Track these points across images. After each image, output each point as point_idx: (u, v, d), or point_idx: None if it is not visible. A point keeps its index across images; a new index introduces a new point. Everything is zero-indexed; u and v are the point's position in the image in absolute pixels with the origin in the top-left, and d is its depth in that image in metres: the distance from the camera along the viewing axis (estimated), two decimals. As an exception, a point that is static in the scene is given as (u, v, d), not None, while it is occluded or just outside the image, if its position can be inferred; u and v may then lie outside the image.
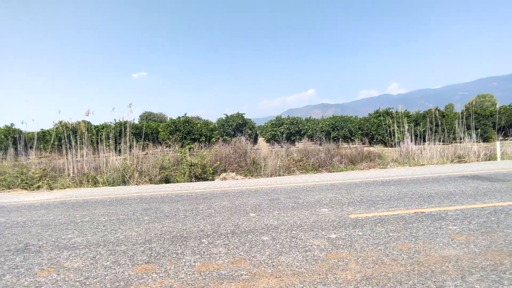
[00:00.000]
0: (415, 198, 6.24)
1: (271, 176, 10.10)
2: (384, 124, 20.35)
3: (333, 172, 10.85)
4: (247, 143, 11.84)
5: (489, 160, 12.05)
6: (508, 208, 5.31)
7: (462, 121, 14.43)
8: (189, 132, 21.28)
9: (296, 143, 22.89)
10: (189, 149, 11.65)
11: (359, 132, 24.31)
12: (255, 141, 21.59)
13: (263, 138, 27.63)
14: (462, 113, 16.36)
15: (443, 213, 5.25)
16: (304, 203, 6.27)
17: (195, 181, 9.53)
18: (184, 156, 10.05)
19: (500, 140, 17.04)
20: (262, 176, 10.10)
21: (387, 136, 17.41)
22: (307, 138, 20.70)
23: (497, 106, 17.64)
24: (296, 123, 23.25)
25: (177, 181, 9.37)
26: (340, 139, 21.10)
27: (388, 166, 11.61)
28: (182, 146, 17.42)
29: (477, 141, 13.73)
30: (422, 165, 11.68)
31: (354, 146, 15.76)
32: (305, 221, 5.25)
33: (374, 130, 24.23)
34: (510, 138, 16.87)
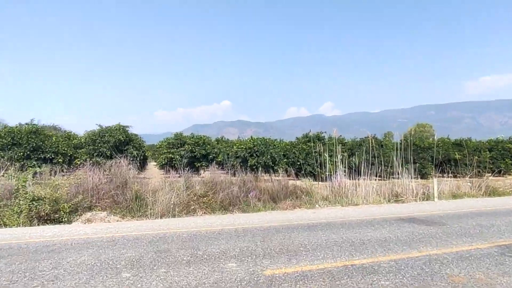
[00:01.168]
0: (346, 246, 6.71)
1: (161, 218, 9.68)
2: (315, 152, 21.96)
3: (248, 212, 11.01)
4: (130, 169, 11.20)
5: (427, 200, 13.98)
6: (442, 257, 6.12)
7: (400, 153, 16.57)
8: (36, 148, 19.10)
9: (202, 171, 22.79)
10: (34, 174, 10.31)
11: (284, 160, 25.66)
12: (142, 166, 20.72)
13: (155, 163, 26.79)
14: (400, 143, 18.85)
15: (375, 265, 5.74)
16: (204, 256, 6.11)
17: (40, 225, 8.45)
18: (23, 185, 8.88)
19: (438, 176, 20.06)
20: (149, 218, 9.60)
21: (317, 167, 18.75)
22: (216, 165, 20.81)
23: (435, 138, 20.84)
24: (203, 144, 23.31)
25: (5, 225, 8.16)
26: (260, 169, 21.82)
27: (317, 205, 12.38)
28: (22, 169, 15.46)
29: (415, 177, 15.82)
30: (356, 205, 12.82)
31: (278, 178, 16.45)
32: (202, 282, 5.08)
33: (302, 158, 25.93)
34: (447, 175, 20.02)
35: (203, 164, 22.58)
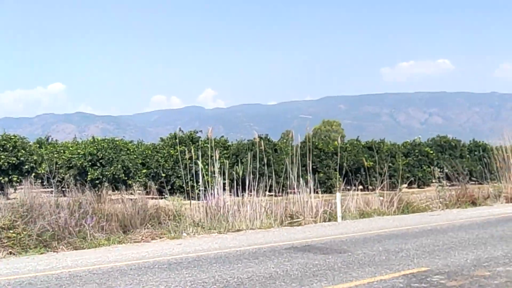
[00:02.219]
0: (218, 290, 6.85)
1: None
2: (186, 158, 22.03)
3: (83, 248, 10.58)
4: None
5: (329, 220, 15.04)
6: (339, 296, 6.65)
7: (298, 160, 17.51)
8: None
9: (11, 189, 21.26)
10: None
11: (143, 171, 25.34)
12: None
13: None
14: (302, 147, 19.96)
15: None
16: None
17: None
18: None
19: (344, 189, 21.75)
20: None
21: (190, 180, 18.84)
22: (37, 179, 19.57)
23: (338, 140, 22.56)
24: (14, 148, 21.73)
25: None
26: (107, 184, 21.20)
27: (185, 234, 12.45)
28: None
29: (317, 191, 16.89)
30: (239, 230, 13.19)
31: (133, 197, 16.09)
32: None
33: (169, 168, 25.89)
34: (355, 187, 21.87)
35: (15, 178, 21.04)
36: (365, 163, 26.19)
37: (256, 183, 15.33)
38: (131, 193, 20.22)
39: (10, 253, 9.71)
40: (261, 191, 15.03)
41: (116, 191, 22.56)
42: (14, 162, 21.23)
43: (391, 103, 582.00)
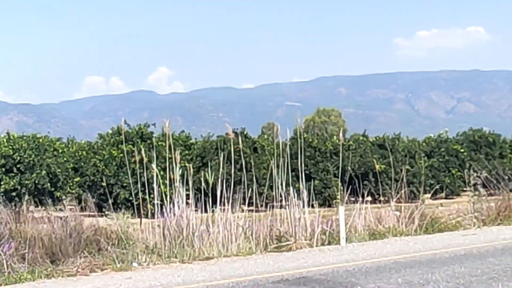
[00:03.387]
0: None
1: None
2: (135, 162, 21.94)
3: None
4: None
5: (329, 243, 15.06)
6: None
7: (286, 162, 17.51)
8: None
9: None
10: None
11: (76, 179, 25.09)
12: None
13: None
14: (291, 145, 19.95)
15: None
16: None
17: None
18: None
19: (348, 201, 21.76)
20: None
21: (140, 190, 18.73)
22: None
23: (341, 135, 22.58)
24: None
25: None
26: (27, 197, 21.04)
27: (135, 263, 12.40)
28: None
29: (311, 204, 16.88)
30: (209, 258, 13.14)
31: (63, 214, 15.98)
32: None
33: (110, 174, 25.72)
34: (362, 198, 21.77)
35: None
36: (376, 167, 26.33)
37: (231, 194, 15.32)
38: (60, 209, 20.04)
39: None
40: (238, 205, 15.03)
41: (40, 206, 22.37)
42: None
43: (407, 85, 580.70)
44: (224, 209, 14.79)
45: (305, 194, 15.82)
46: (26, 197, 21.06)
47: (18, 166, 22.47)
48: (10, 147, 22.72)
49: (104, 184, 25.27)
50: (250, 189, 16.15)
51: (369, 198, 23.05)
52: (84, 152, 27.58)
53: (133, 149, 23.12)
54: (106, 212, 18.64)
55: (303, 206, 15.66)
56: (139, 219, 17.76)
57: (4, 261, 11.20)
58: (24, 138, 23.95)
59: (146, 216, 17.46)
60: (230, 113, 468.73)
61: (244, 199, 15.56)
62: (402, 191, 18.13)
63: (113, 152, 26.43)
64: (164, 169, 16.82)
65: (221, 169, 15.84)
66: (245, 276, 10.88)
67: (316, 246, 14.73)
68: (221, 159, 16.27)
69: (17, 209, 17.91)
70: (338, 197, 27.88)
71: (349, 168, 26.08)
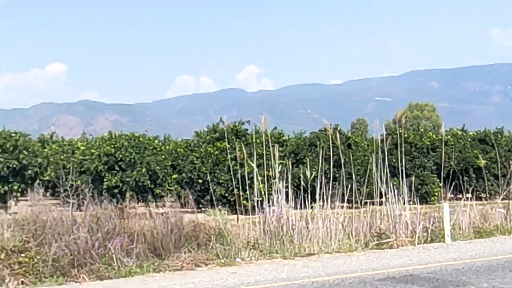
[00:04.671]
0: None
1: None
2: (231, 159, 22.21)
3: (110, 278, 10.81)
4: None
5: (432, 241, 14.80)
6: None
7: (380, 158, 17.30)
8: None
9: (13, 201, 21.86)
10: None
11: (174, 176, 25.62)
12: None
13: None
14: (382, 141, 19.66)
15: None
16: None
17: None
18: None
19: (450, 198, 21.27)
20: None
21: (236, 187, 18.97)
22: (41, 188, 20.12)
23: (442, 130, 22.12)
24: (14, 148, 22.35)
25: None
26: (128, 193, 21.59)
27: (238, 259, 12.54)
28: None
29: (410, 201, 16.62)
30: (311, 254, 13.16)
31: (162, 210, 16.32)
32: None
33: (208, 171, 26.10)
34: (464, 195, 21.23)
35: (16, 187, 21.71)
36: (480, 162, 25.59)
37: (329, 191, 15.26)
38: (162, 205, 20.56)
39: (22, 282, 10.03)
40: (337, 202, 14.98)
41: (141, 203, 22.93)
42: (15, 166, 21.81)
43: (506, 77, 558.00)
44: (322, 206, 14.76)
45: (405, 190, 15.61)
46: (128, 194, 21.58)
47: (119, 163, 23.11)
48: (112, 145, 23.41)
49: (200, 181, 25.76)
50: (349, 185, 16.07)
51: (468, 195, 22.45)
52: (181, 150, 28.11)
53: (229, 146, 23.45)
54: (205, 209, 18.93)
55: (403, 203, 15.46)
56: (235, 215, 17.94)
57: (114, 256, 11.51)
58: (125, 137, 24.60)
59: (244, 213, 17.59)
60: (319, 110, 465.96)
61: (342, 196, 15.49)
62: (509, 188, 17.57)
63: (209, 149, 26.85)
64: (259, 166, 16.93)
65: (319, 165, 15.85)
66: (349, 273, 10.83)
67: (419, 243, 14.51)
68: (320, 155, 16.28)
69: (120, 205, 18.37)
70: (436, 193, 27.41)
71: (452, 163, 25.41)
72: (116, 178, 22.65)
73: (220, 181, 25.45)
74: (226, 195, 25.09)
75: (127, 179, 22.61)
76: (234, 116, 28.88)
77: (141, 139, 24.80)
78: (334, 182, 15.66)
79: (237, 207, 18.37)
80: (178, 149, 28.28)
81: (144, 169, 23.02)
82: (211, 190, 25.23)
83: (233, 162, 22.25)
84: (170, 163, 25.86)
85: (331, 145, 17.21)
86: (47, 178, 22.70)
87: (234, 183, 17.90)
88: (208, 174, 25.97)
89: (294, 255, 13.09)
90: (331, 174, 15.50)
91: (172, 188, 23.77)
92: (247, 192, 16.87)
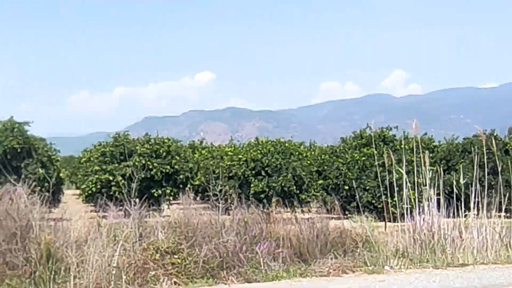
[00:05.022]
0: None
1: (93, 294, 9.69)
2: (378, 165, 21.94)
3: (257, 281, 10.97)
4: (34, 203, 11.22)
5: None
6: None
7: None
8: None
9: (165, 204, 22.71)
10: None
11: (319, 182, 25.66)
12: (54, 197, 20.75)
13: (77, 190, 26.72)
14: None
15: None
16: None
17: None
18: None
19: None
20: (70, 294, 9.59)
21: (383, 194, 18.71)
22: (191, 192, 20.83)
23: None
24: (167, 153, 23.25)
25: None
26: (273, 198, 21.84)
27: (387, 267, 12.33)
28: None
29: None
30: (464, 265, 12.74)
31: (307, 216, 16.39)
32: None
33: (353, 178, 25.94)
34: None
35: (168, 190, 22.60)
36: None
37: (482, 199, 14.72)
38: (308, 210, 20.67)
39: (175, 282, 10.42)
40: (493, 211, 14.40)
41: (286, 208, 23.16)
42: (167, 170, 22.82)
43: None
44: (476, 215, 14.26)
45: None
46: (274, 199, 21.85)
47: (266, 169, 23.49)
48: (259, 151, 23.84)
49: (346, 187, 25.64)
50: (504, 194, 15.44)
51: None
52: (326, 156, 28.12)
53: (376, 152, 23.14)
54: (350, 215, 18.78)
55: None
56: (382, 223, 17.69)
57: (261, 259, 11.66)
58: (271, 142, 24.97)
59: (392, 220, 17.29)
60: (471, 114, 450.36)
61: (498, 204, 14.88)
62: None
63: (355, 155, 26.70)
64: (408, 173, 16.57)
65: (474, 172, 15.32)
66: (508, 285, 10.42)
67: None
68: (474, 162, 15.76)
69: (267, 210, 18.62)
70: None
71: None
72: (262, 183, 23.04)
73: (367, 187, 25.23)
74: (373, 201, 24.84)
75: (273, 184, 22.94)
76: (381, 122, 28.50)
77: (286, 145, 25.12)
78: (490, 190, 15.13)
79: (385, 214, 18.09)
80: (324, 155, 28.32)
81: (289, 175, 23.26)
82: (357, 196, 25.09)
83: (381, 168, 22.01)
84: (315, 168, 26.00)
85: (485, 151, 16.67)
86: (197, 182, 23.48)
87: (381, 189, 17.68)
88: (354, 181, 25.82)
89: (446, 265, 12.71)
90: (486, 182, 14.96)
91: (317, 193, 23.88)
92: (395, 199, 16.56)
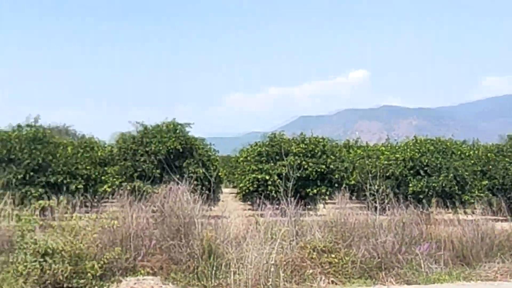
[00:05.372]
0: None
1: (253, 290, 9.97)
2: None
3: (418, 283, 10.86)
4: (195, 201, 11.72)
5: None
6: None
7: None
8: (42, 166, 21.04)
9: (320, 204, 22.81)
10: (42, 210, 11.26)
11: (484, 182, 24.70)
12: (214, 195, 21.44)
13: (235, 190, 27.39)
14: None
15: None
16: None
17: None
18: (28, 230, 9.78)
19: None
20: (230, 289, 9.93)
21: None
22: (347, 191, 20.79)
23: None
24: (322, 153, 23.35)
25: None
26: (433, 199, 21.33)
27: None
28: (22, 203, 16.99)
29: None
30: None
31: (469, 217, 15.91)
32: None
33: (522, 177, 24.81)
34: None
35: (322, 190, 22.69)
36: None
37: None
38: (467, 212, 20.03)
39: (332, 282, 10.54)
40: None
41: (445, 209, 22.50)
42: (322, 170, 22.90)
43: None
44: None
45: None
46: (434, 199, 21.35)
47: (425, 168, 22.94)
48: (417, 150, 23.35)
49: (513, 186, 24.66)
50: None
51: None
52: (492, 155, 27.01)
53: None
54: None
55: None
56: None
57: (421, 261, 11.54)
58: (431, 141, 24.37)
59: None
60: None
61: None
62: None
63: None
64: None
65: None
66: None
67: None
68: None
69: (425, 211, 18.24)
70: None
71: None
72: (421, 183, 22.51)
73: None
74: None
75: (433, 185, 22.34)
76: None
77: (447, 143, 24.37)
78: None
79: None
80: (489, 154, 27.18)
81: (451, 175, 22.55)
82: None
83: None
84: (479, 168, 25.02)
85: None
86: (352, 182, 23.38)
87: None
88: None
89: None
90: None
91: (482, 194, 23.00)
92: None
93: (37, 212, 10.56)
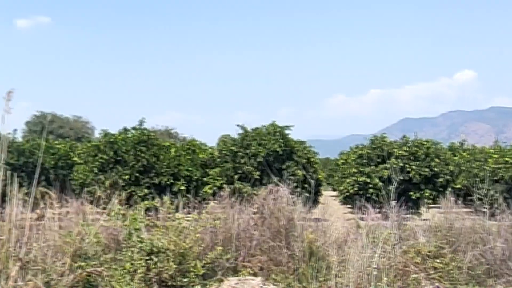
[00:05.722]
0: None
1: (355, 294, 9.96)
2: None
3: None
4: (295, 203, 11.80)
5: None
6: None
7: None
8: (148, 168, 21.84)
9: (424, 207, 22.50)
10: (146, 210, 11.62)
11: None
12: (315, 197, 21.52)
13: (335, 193, 27.42)
14: None
15: None
16: None
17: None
18: (135, 229, 10.19)
19: None
20: (332, 293, 9.97)
21: None
22: (453, 196, 20.43)
23: None
24: (426, 156, 22.99)
25: (114, 290, 9.38)
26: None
27: None
28: (128, 203, 17.55)
29: None
30: None
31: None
32: None
33: None
34: None
35: (427, 194, 22.37)
36: None
37: None
38: None
39: (437, 287, 10.38)
40: None
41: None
42: (426, 173, 22.58)
43: None
44: None
45: None
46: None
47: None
48: None
49: None
50: None
51: None
52: None
53: None
54: None
55: None
56: None
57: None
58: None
59: None
60: None
61: None
62: None
63: None
64: None
65: None
66: None
67: None
68: None
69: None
70: None
71: None
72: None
73: None
74: None
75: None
76: None
77: None
78: None
79: None
80: None
81: None
82: None
83: None
84: None
85: None
86: (458, 186, 22.93)
87: None
88: None
89: None
90: None
91: None
92: None
93: (142, 212, 10.94)
